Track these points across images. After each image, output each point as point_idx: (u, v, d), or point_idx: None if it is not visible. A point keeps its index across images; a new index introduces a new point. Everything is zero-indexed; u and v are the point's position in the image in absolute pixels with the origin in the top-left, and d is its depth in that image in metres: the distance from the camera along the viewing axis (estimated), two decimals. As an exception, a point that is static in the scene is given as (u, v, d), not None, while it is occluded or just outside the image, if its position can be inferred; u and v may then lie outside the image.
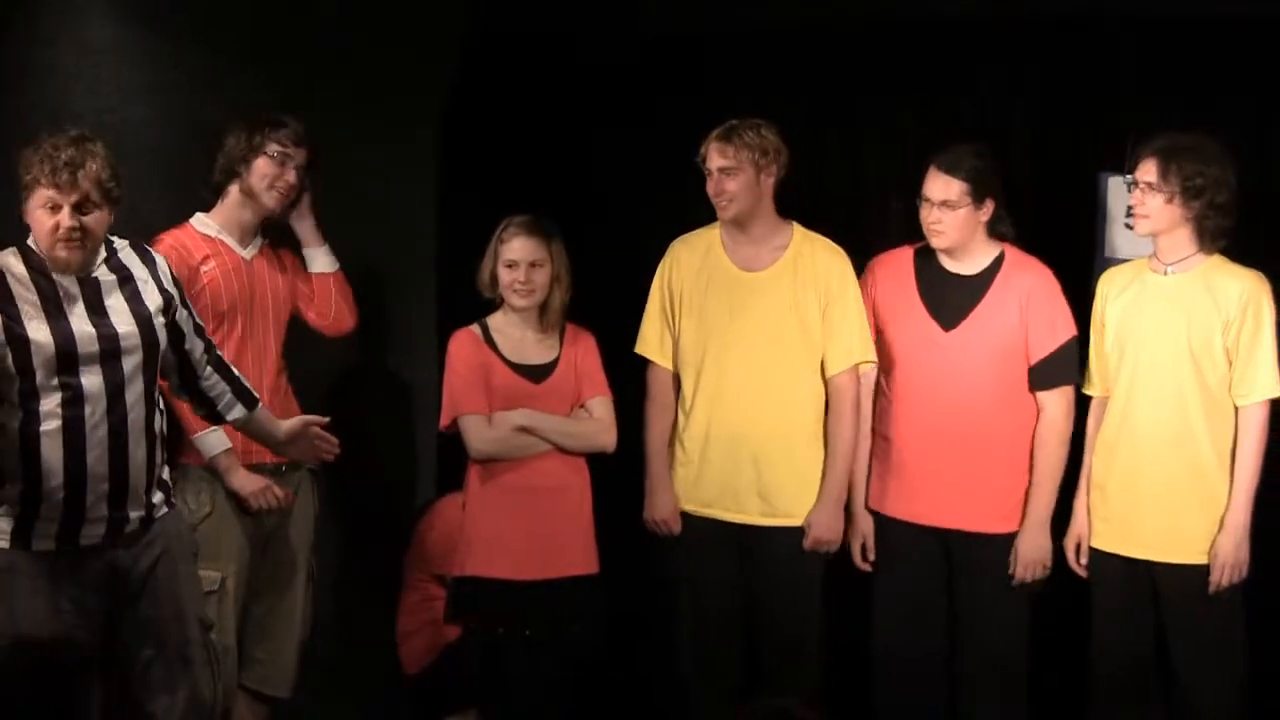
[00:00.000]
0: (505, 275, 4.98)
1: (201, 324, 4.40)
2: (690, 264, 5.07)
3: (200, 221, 4.88)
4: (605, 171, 5.79)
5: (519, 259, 4.96)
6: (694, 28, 5.65)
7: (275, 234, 5.05)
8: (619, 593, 5.13)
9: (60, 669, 4.05)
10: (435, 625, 5.38)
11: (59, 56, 4.79)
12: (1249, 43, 5.16)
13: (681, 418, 5.08)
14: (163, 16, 4.99)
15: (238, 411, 4.44)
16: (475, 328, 5.05)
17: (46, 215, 4.05)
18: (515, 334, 5.03)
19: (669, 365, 5.11)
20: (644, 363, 5.13)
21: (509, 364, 5.00)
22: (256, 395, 4.50)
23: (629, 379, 5.12)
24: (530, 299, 4.99)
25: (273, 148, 4.84)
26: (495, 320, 5.05)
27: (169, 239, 4.80)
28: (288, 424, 4.52)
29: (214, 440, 4.78)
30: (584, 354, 5.07)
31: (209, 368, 4.38)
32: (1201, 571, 4.69)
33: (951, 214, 4.90)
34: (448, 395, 5.01)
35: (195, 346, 4.34)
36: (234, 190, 4.88)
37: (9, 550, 4.08)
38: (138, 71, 4.92)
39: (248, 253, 4.90)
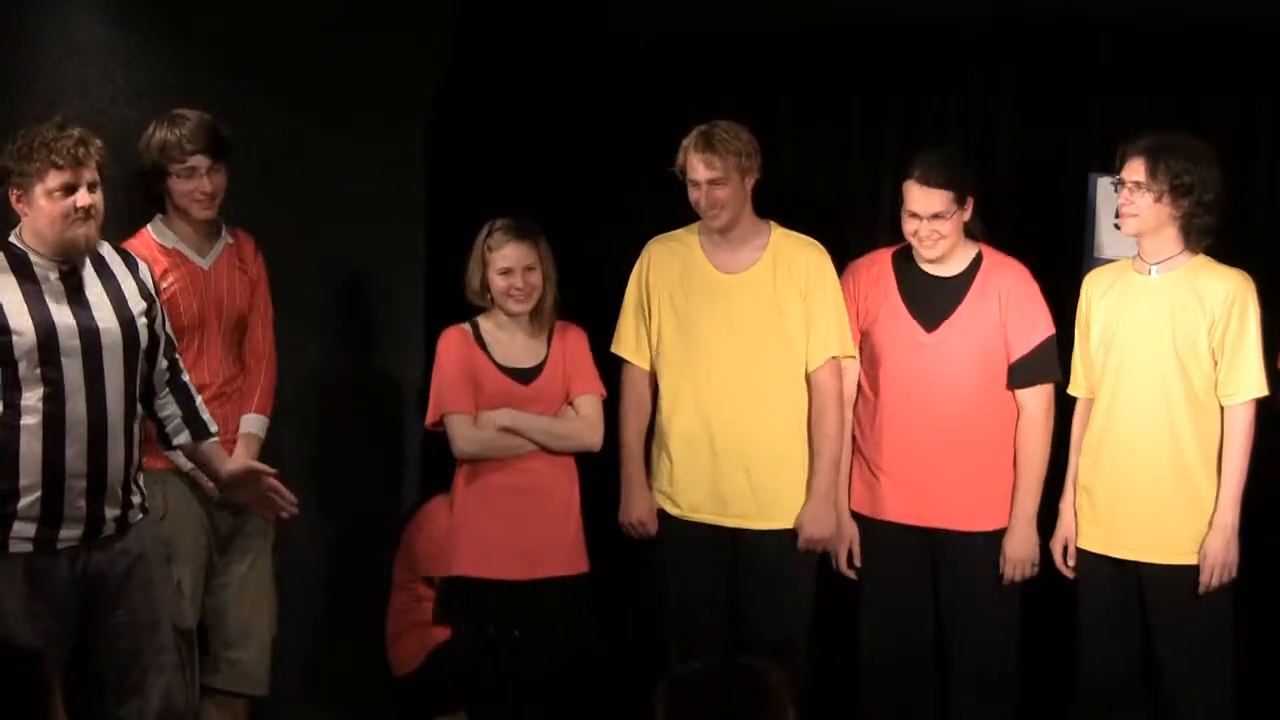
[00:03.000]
0: (500, 282, 4.96)
1: (173, 339, 4.36)
2: (668, 264, 5.05)
3: (158, 230, 4.74)
4: (591, 171, 5.78)
5: (513, 265, 4.95)
6: (680, 28, 5.64)
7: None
8: (607, 592, 5.13)
9: (32, 672, 4.02)
10: (424, 626, 5.37)
11: (48, 58, 4.78)
12: (1237, 44, 5.17)
13: (663, 422, 5.05)
14: (152, 18, 4.98)
15: (183, 438, 4.36)
16: (466, 326, 5.04)
17: (59, 197, 4.04)
18: (505, 337, 5.02)
19: (645, 365, 5.08)
20: (623, 362, 5.11)
21: (499, 366, 5.00)
22: (212, 428, 4.40)
23: (610, 378, 5.10)
24: (528, 303, 4.98)
25: (175, 167, 4.65)
26: (486, 323, 5.04)
27: (132, 252, 4.53)
28: (230, 465, 4.43)
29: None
30: (573, 348, 5.05)
31: (166, 389, 4.33)
32: (1189, 572, 4.69)
33: (944, 224, 4.91)
34: (435, 392, 5.00)
35: (159, 364, 4.30)
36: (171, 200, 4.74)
37: None
38: (127, 73, 4.91)
39: (206, 261, 4.76)
